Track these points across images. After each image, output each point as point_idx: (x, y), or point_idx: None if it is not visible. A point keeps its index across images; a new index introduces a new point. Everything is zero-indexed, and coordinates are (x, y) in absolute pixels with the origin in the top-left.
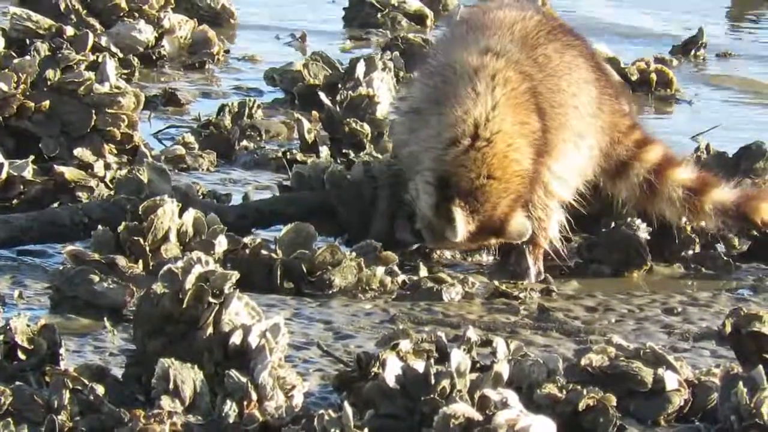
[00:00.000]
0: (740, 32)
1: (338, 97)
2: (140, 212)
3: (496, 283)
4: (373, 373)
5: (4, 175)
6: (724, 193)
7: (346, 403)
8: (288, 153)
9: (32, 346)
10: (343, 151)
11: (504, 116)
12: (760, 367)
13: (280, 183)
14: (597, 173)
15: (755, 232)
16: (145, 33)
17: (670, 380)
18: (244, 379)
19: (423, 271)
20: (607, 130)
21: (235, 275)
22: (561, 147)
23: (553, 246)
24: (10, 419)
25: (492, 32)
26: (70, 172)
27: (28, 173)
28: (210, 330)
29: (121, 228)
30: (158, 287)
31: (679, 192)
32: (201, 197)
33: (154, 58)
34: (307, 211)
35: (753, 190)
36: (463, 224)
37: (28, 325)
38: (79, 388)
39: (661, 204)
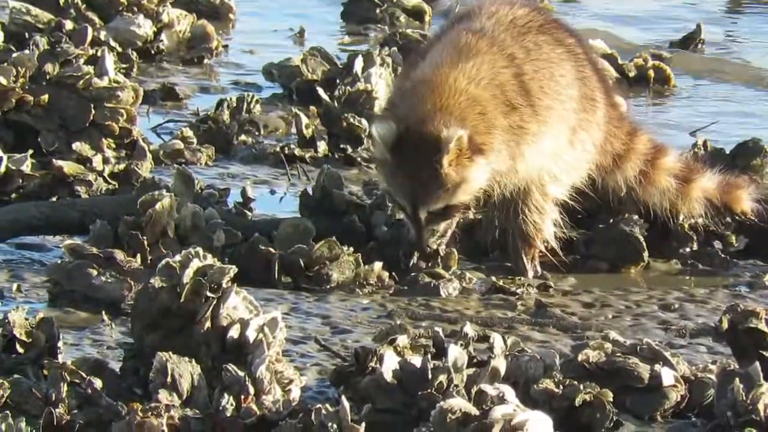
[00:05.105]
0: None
1: (336, 93)
2: (138, 206)
3: (494, 278)
4: (370, 368)
5: (2, 169)
6: (709, 181)
7: (343, 398)
8: (286, 148)
9: (30, 340)
10: (341, 146)
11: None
12: (757, 363)
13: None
14: (594, 170)
15: (734, 219)
16: (144, 27)
17: (667, 376)
18: (241, 373)
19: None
20: (603, 124)
21: (233, 269)
22: (554, 145)
23: (548, 245)
24: (8, 412)
25: (479, 18)
26: (68, 167)
27: (26, 167)
28: (208, 324)
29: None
30: (156, 281)
31: (671, 181)
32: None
33: (152, 52)
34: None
35: (731, 178)
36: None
37: (27, 319)
38: (77, 381)
39: (655, 193)
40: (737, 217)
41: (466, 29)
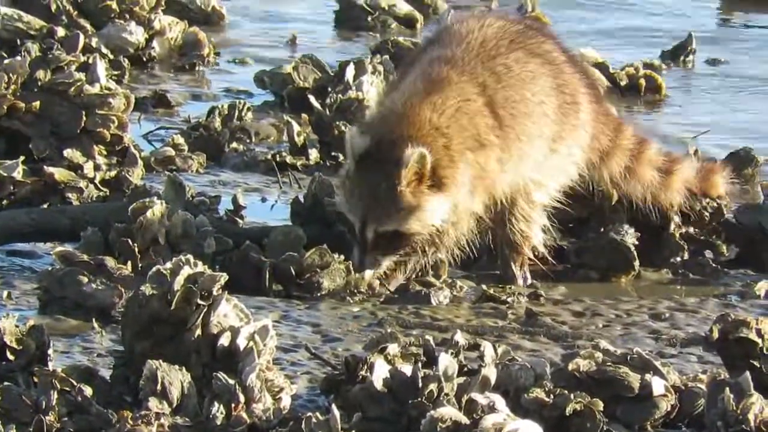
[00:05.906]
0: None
1: (328, 100)
2: (129, 214)
3: (484, 287)
4: (360, 377)
5: None
6: (688, 170)
7: (333, 406)
8: (277, 155)
9: (21, 347)
10: (333, 154)
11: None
12: (747, 373)
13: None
14: (584, 170)
15: (711, 205)
16: (136, 34)
17: (657, 386)
18: (231, 381)
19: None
20: (589, 124)
21: (223, 277)
22: (532, 162)
23: (537, 252)
24: None
25: (450, 45)
26: (59, 173)
27: (17, 174)
28: (198, 332)
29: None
30: (147, 288)
31: (655, 174)
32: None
33: (144, 59)
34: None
35: (708, 164)
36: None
37: (17, 326)
38: (67, 388)
39: (639, 187)
40: (715, 202)
41: (438, 57)
